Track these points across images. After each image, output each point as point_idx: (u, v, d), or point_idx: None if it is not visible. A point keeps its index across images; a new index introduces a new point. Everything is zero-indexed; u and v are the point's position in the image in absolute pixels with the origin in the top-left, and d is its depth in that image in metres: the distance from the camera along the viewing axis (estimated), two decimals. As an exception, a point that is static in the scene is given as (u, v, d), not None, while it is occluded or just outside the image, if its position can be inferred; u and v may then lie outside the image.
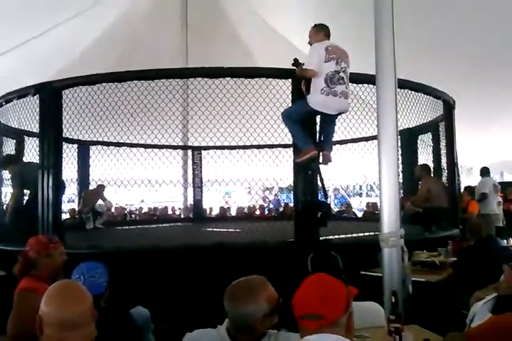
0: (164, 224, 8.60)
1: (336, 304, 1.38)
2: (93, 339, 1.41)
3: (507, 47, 7.41)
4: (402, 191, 6.07)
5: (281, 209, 12.16)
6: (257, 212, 11.42)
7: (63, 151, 5.17)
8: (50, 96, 4.82)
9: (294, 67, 4.35)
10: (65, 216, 7.63)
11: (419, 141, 6.74)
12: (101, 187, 7.71)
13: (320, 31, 4.31)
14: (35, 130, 5.20)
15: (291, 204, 8.20)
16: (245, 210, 11.55)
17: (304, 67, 4.17)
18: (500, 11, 6.78)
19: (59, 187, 4.83)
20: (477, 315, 2.16)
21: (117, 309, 2.30)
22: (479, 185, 7.81)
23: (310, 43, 4.32)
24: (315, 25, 4.38)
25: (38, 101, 4.94)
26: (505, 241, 7.80)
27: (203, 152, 9.06)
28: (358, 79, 4.60)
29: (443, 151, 6.13)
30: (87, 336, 1.39)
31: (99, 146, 7.77)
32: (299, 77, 4.29)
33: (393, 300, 2.19)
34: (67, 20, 8.55)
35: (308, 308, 1.36)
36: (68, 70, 7.86)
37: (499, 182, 10.34)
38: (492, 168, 11.19)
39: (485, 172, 8.15)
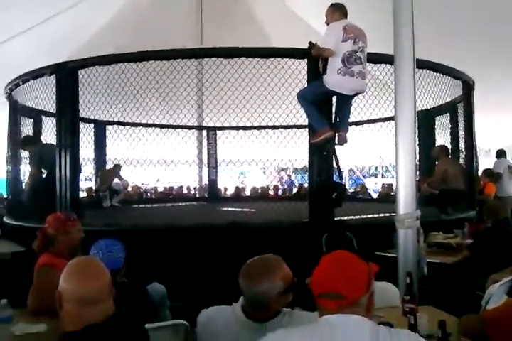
0: (179, 203, 8.69)
1: (357, 283, 1.34)
2: (111, 314, 1.43)
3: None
4: (418, 172, 6.02)
5: (294, 189, 12.19)
6: (271, 193, 11.44)
7: (80, 131, 5.23)
8: (66, 76, 4.85)
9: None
10: (82, 194, 7.75)
11: (437, 122, 6.63)
12: (117, 167, 7.80)
13: (337, 10, 4.22)
14: (52, 110, 5.24)
15: (306, 185, 8.22)
16: (259, 190, 11.58)
17: (321, 46, 4.10)
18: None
19: (76, 166, 4.89)
20: (493, 297, 2.15)
21: (134, 285, 2.35)
22: (494, 165, 7.73)
23: (327, 23, 4.24)
24: (332, 4, 4.29)
25: (54, 82, 4.95)
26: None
27: (218, 132, 9.07)
28: (375, 59, 4.51)
29: (461, 133, 6.03)
30: (106, 311, 1.42)
31: (116, 126, 7.82)
32: (315, 57, 4.22)
33: (408, 281, 2.20)
34: (76, 4, 8.50)
35: (329, 287, 1.33)
36: (78, 55, 7.87)
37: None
38: (509, 149, 11.05)
39: (501, 154, 8.06)
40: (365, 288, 1.34)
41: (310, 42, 4.26)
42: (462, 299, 2.88)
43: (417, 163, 5.20)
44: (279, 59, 4.92)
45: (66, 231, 2.78)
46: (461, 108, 5.97)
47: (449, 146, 6.12)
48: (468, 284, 3.31)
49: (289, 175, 14.64)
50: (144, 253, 3.66)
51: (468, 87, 5.81)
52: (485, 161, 10.26)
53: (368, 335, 1.24)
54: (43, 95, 5.33)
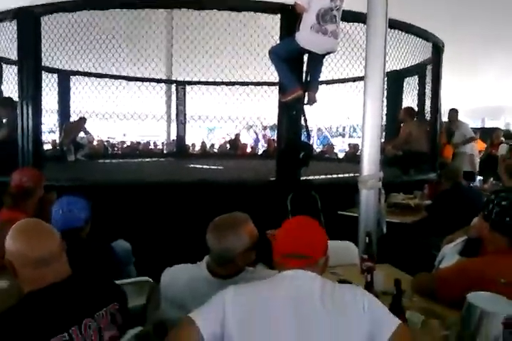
0: (147, 159, 8.61)
1: (319, 246, 1.48)
2: (68, 272, 1.44)
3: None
4: (384, 134, 6.11)
5: (261, 146, 12.20)
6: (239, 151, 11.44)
7: (43, 81, 5.02)
8: (28, 22, 4.57)
9: (284, 1, 4.19)
10: (46, 147, 7.56)
11: (405, 84, 6.67)
12: (82, 120, 7.59)
13: None
14: (13, 57, 4.99)
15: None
16: (228, 146, 11.54)
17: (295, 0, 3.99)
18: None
19: (39, 117, 4.73)
20: (446, 257, 2.27)
21: (98, 241, 2.36)
22: (466, 128, 7.75)
23: None
24: None
25: (15, 27, 4.69)
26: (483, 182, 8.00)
27: (187, 87, 8.88)
28: (348, 17, 4.43)
29: (428, 95, 6.10)
30: (61, 270, 1.42)
31: (81, 77, 7.54)
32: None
33: (367, 240, 2.28)
34: None
35: (295, 248, 1.44)
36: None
37: (480, 128, 10.52)
38: (474, 113, 11.32)
39: None
40: (323, 252, 1.48)
41: None
42: (419, 258, 3.01)
43: (383, 123, 5.31)
44: (252, 13, 4.78)
45: (38, 186, 2.76)
46: (430, 70, 6.00)
47: (416, 108, 6.19)
48: (425, 244, 3.46)
49: (255, 132, 14.57)
50: (110, 210, 3.64)
51: (437, 49, 5.81)
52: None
53: (318, 288, 1.36)
54: (3, 41, 5.05)
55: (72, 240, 2.09)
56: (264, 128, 12.89)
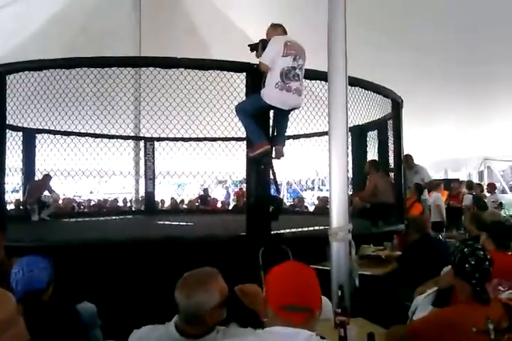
0: (114, 217, 8.43)
1: (318, 297, 1.35)
2: (27, 339, 1.35)
3: (452, 48, 7.74)
4: (351, 186, 6.22)
5: (231, 201, 12.19)
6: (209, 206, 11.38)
7: (7, 139, 4.96)
8: (-8, 81, 4.60)
9: (249, 61, 4.36)
10: (9, 207, 7.33)
11: (368, 138, 6.89)
12: (47, 177, 7.45)
13: (277, 28, 4.30)
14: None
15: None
16: (197, 203, 11.48)
17: (259, 59, 4.16)
18: (448, 10, 7.05)
19: (2, 176, 4.63)
20: (419, 308, 2.26)
21: (61, 304, 2.24)
22: (425, 172, 7.79)
23: (269, 39, 4.30)
24: (272, 24, 4.38)
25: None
26: (446, 234, 8.14)
27: (156, 143, 8.92)
28: (311, 75, 4.63)
29: (390, 148, 6.30)
30: (19, 337, 1.33)
31: (46, 135, 7.49)
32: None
33: (339, 294, 2.24)
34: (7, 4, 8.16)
35: (295, 299, 1.30)
36: (15, 53, 7.51)
37: (444, 179, 10.85)
38: (437, 164, 11.71)
39: None
40: (320, 304, 1.36)
41: (250, 45, 4.32)
42: (392, 310, 2.98)
43: (350, 176, 5.41)
44: (218, 71, 4.94)
45: (0, 246, 2.64)
46: (391, 125, 6.25)
47: (380, 161, 6.37)
48: (397, 295, 3.43)
49: (226, 187, 14.63)
50: (74, 270, 3.50)
51: (397, 104, 6.09)
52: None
53: None
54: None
55: (34, 303, 1.98)
56: (239, 183, 12.97)
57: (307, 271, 1.40)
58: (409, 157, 7.09)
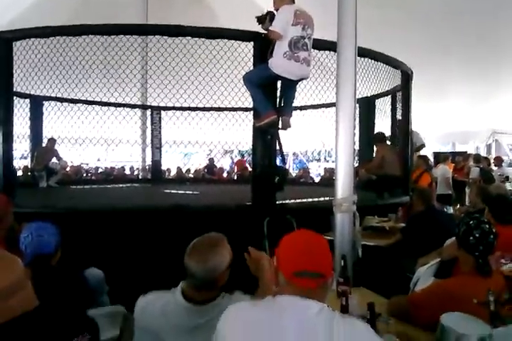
0: (121, 185, 8.51)
1: (329, 264, 1.36)
2: (35, 302, 1.39)
3: (461, 23, 7.55)
4: (357, 158, 6.21)
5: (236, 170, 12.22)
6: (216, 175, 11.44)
7: (15, 106, 4.96)
8: (0, 47, 4.55)
9: (257, 30, 4.28)
10: (17, 173, 7.41)
11: (377, 110, 6.82)
12: (53, 142, 7.47)
13: None
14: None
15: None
16: (203, 172, 11.53)
17: (271, 28, 4.09)
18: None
19: (10, 143, 4.65)
20: (421, 279, 2.29)
21: (69, 269, 2.30)
22: (416, 136, 7.47)
23: (276, 9, 4.21)
24: None
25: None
26: (452, 208, 8.19)
27: (163, 112, 8.90)
28: (319, 45, 4.56)
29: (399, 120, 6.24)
30: (27, 300, 1.37)
31: (54, 102, 7.48)
32: (267, 36, 4.20)
33: (342, 264, 2.28)
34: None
35: (308, 265, 1.30)
36: (20, 21, 7.40)
37: (451, 152, 10.81)
38: (444, 137, 11.63)
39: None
40: (332, 270, 1.37)
41: (257, 17, 4.23)
42: (394, 281, 3.02)
43: (357, 148, 5.39)
44: (225, 40, 4.86)
45: (7, 213, 2.69)
46: (400, 96, 6.17)
47: (389, 133, 6.33)
48: (399, 266, 3.48)
49: (231, 157, 14.64)
50: (82, 237, 3.57)
51: (406, 76, 5.99)
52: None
53: (323, 326, 1.25)
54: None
55: (42, 267, 2.03)
56: (242, 155, 12.96)
57: (319, 238, 1.40)
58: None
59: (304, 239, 1.38)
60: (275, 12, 4.14)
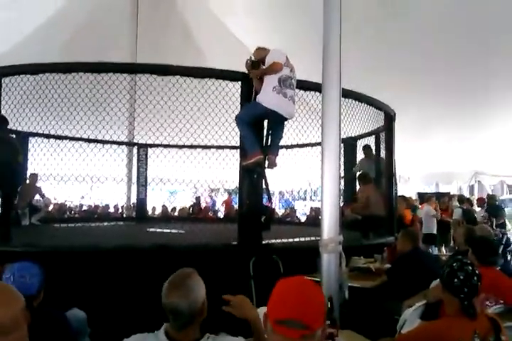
0: (105, 223, 8.38)
1: (319, 314, 1.26)
2: None
3: (448, 60, 7.83)
4: (342, 198, 6.23)
5: (218, 209, 12.22)
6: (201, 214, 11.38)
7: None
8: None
9: (245, 70, 4.43)
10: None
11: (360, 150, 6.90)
12: (34, 177, 7.38)
13: (265, 48, 4.48)
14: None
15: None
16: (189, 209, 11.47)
17: (271, 60, 4.23)
18: (443, 25, 7.16)
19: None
20: (407, 321, 2.27)
21: (51, 311, 2.23)
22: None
23: (258, 60, 4.46)
24: (258, 47, 4.58)
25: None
26: (437, 248, 8.22)
27: (149, 150, 8.91)
28: (305, 86, 4.70)
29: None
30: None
31: (40, 138, 7.46)
32: (258, 74, 4.35)
33: (329, 306, 2.25)
34: (11, 2, 8.17)
35: (291, 313, 1.22)
36: (11, 54, 7.51)
37: (435, 193, 10.95)
38: (428, 178, 11.79)
39: None
40: (322, 321, 1.27)
41: (252, 61, 4.41)
42: (380, 323, 2.98)
43: (342, 188, 5.42)
44: (213, 79, 4.97)
45: None
46: (383, 137, 6.29)
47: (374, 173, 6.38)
48: (386, 308, 3.43)
49: (211, 196, 14.63)
50: (65, 277, 3.48)
51: (389, 117, 6.15)
52: (404, 188, 10.89)
53: None
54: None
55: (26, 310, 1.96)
56: (229, 194, 12.97)
57: (313, 286, 1.31)
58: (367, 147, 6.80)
59: (296, 286, 1.30)
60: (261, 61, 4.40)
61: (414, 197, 10.84)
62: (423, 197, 10.11)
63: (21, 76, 4.92)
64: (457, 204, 9.40)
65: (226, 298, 1.84)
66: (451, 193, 11.05)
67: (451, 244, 8.12)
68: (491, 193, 10.18)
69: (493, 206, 8.75)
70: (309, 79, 4.58)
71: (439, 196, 10.09)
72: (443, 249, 7.81)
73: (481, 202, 9.59)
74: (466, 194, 11.19)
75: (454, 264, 2.00)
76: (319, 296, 1.29)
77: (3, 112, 4.87)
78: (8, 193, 5.09)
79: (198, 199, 11.85)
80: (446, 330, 1.84)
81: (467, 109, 8.71)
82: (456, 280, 1.95)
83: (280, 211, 13.07)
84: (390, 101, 6.13)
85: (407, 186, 11.64)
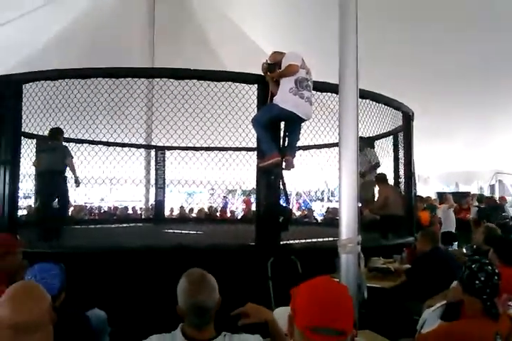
0: (124, 224, 8.48)
1: (351, 319, 1.20)
2: None
3: (471, 62, 7.75)
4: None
5: (229, 211, 12.30)
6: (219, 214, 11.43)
7: (21, 146, 5.05)
8: (10, 89, 4.69)
9: (262, 73, 4.45)
10: (21, 212, 7.40)
11: (380, 150, 6.84)
12: None
13: (282, 52, 4.48)
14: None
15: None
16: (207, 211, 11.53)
17: (288, 62, 4.24)
18: (468, 26, 7.07)
19: (16, 183, 4.70)
20: (427, 322, 2.25)
21: (72, 311, 2.26)
22: (373, 154, 6.72)
23: (274, 62, 4.46)
24: (274, 51, 4.61)
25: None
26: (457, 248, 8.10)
27: (167, 152, 9.00)
28: (322, 87, 4.70)
29: (401, 161, 6.27)
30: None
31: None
32: (274, 77, 4.37)
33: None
34: (31, 11, 8.33)
35: (327, 321, 1.16)
36: (29, 63, 7.65)
37: (455, 192, 10.82)
38: (448, 177, 11.65)
39: None
40: (354, 322, 1.23)
41: (269, 64, 4.42)
42: (400, 323, 2.96)
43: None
44: (229, 83, 5.00)
45: (11, 252, 2.67)
46: (401, 137, 6.23)
47: (392, 173, 6.32)
48: (405, 308, 3.41)
49: (224, 197, 14.69)
50: (86, 277, 3.53)
51: (407, 117, 6.09)
52: (423, 188, 10.78)
53: None
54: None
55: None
56: (249, 194, 13.06)
57: (339, 288, 1.28)
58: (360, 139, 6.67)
59: (324, 289, 1.24)
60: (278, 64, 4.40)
61: (433, 197, 10.73)
62: (442, 197, 10.00)
63: (41, 82, 5.01)
64: (476, 203, 9.29)
65: (234, 313, 1.82)
66: (472, 193, 10.90)
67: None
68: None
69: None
70: (326, 81, 4.57)
71: (459, 196, 9.97)
72: (463, 249, 7.69)
73: (503, 201, 9.46)
74: (487, 194, 11.04)
75: (473, 266, 1.98)
76: (348, 298, 1.25)
77: (24, 117, 4.97)
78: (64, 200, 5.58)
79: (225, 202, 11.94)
80: (467, 331, 1.83)
81: (487, 110, 8.60)
82: (477, 281, 1.93)
83: (297, 212, 13.05)
84: (410, 102, 6.07)
85: (427, 186, 11.52)
